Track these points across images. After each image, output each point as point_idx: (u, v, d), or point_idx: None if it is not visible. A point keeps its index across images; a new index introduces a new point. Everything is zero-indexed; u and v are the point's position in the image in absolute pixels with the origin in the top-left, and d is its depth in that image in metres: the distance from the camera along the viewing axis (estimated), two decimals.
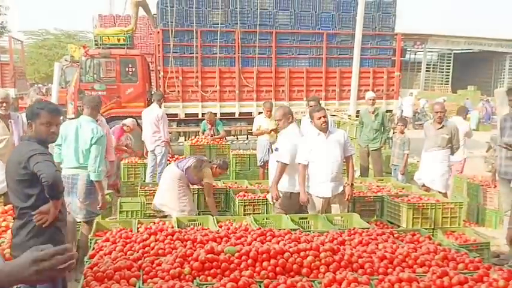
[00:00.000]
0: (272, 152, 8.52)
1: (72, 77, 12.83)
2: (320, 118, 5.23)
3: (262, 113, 9.03)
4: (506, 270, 3.31)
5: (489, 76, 32.31)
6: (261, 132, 8.51)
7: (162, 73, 11.82)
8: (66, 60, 12.33)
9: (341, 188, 5.34)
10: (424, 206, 5.65)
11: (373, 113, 8.43)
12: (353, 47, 12.22)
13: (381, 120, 8.34)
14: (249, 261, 3.41)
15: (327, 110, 10.53)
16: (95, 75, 11.79)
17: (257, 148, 8.79)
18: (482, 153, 11.92)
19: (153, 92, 10.72)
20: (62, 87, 13.04)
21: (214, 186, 6.24)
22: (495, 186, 6.83)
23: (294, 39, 12.57)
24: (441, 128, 6.71)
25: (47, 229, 3.51)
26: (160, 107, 8.42)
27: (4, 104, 5.46)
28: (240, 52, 12.17)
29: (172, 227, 4.48)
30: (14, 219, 3.52)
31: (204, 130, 9.62)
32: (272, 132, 8.56)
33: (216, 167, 6.08)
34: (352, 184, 5.43)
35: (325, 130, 5.26)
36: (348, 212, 5.43)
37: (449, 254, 3.75)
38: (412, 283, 3.10)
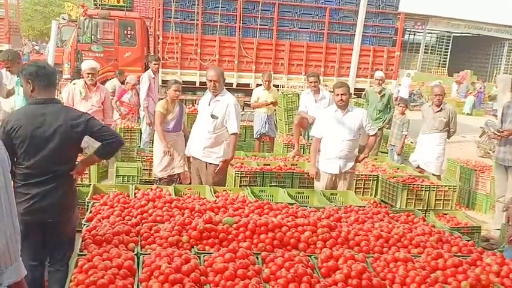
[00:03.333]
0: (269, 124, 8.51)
1: (69, 36, 12.59)
2: (338, 95, 5.15)
3: (261, 85, 8.92)
4: (499, 255, 3.38)
5: (486, 61, 32.27)
6: (259, 104, 8.44)
7: (161, 38, 11.63)
8: (63, 19, 12.08)
9: (350, 165, 5.29)
10: (418, 187, 5.71)
11: (379, 93, 8.38)
12: (355, 24, 12.04)
13: (386, 102, 8.31)
14: (247, 233, 3.44)
15: (325, 85, 10.52)
16: (93, 36, 11.58)
17: (254, 120, 8.72)
18: (475, 138, 12.01)
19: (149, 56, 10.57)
20: (58, 47, 12.79)
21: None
22: (485, 171, 6.94)
23: (296, 12, 12.38)
24: (439, 111, 6.71)
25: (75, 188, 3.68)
26: (155, 71, 8.19)
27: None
28: (241, 22, 11.98)
29: (170, 195, 4.49)
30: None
31: None
32: (271, 105, 8.52)
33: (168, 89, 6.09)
34: (362, 159, 5.49)
35: (342, 107, 5.21)
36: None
37: (443, 236, 3.81)
38: (408, 263, 3.16)
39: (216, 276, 2.85)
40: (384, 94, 8.38)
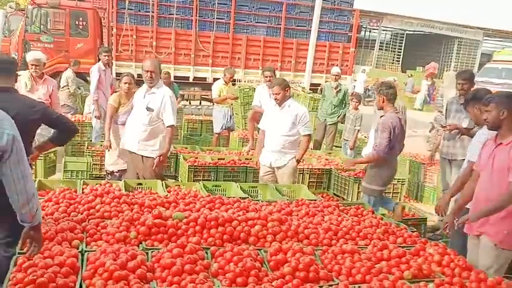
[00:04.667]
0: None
1: (17, 26, 12.06)
2: (274, 94, 5.27)
3: (219, 79, 8.85)
4: (441, 246, 3.51)
5: (437, 58, 33.38)
6: (223, 99, 8.39)
7: (115, 30, 11.33)
8: (10, 8, 11.56)
9: (284, 162, 5.29)
10: None
11: (335, 89, 8.49)
12: (311, 19, 12.19)
13: (342, 97, 8.42)
14: (197, 228, 3.41)
15: None
16: (42, 26, 11.13)
17: (215, 115, 8.59)
18: (426, 133, 12.41)
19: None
20: (5, 36, 12.22)
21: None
22: (432, 164, 7.18)
23: (253, 7, 12.36)
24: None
25: None
26: (105, 63, 7.92)
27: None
28: (198, 15, 11.85)
29: (120, 190, 4.39)
30: None
31: None
32: (234, 99, 8.55)
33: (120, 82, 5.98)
34: (298, 160, 5.38)
35: (279, 104, 5.26)
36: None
37: (389, 228, 3.92)
38: (354, 254, 3.23)
39: (163, 272, 2.81)
40: (340, 89, 8.51)
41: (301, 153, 5.37)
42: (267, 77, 7.34)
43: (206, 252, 3.15)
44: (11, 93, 3.30)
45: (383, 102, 5.01)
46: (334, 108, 8.47)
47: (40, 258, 2.73)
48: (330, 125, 8.52)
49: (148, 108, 4.99)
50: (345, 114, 8.42)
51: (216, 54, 12.28)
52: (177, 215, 3.53)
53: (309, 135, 5.36)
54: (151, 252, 3.07)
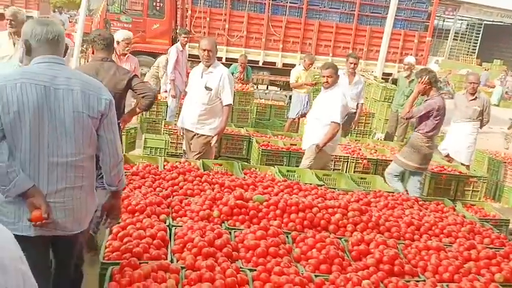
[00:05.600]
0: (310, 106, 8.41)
1: (97, 5, 12.56)
2: (325, 77, 5.12)
3: (299, 65, 8.80)
4: None
5: None
6: (300, 84, 8.36)
7: (190, 12, 11.52)
8: None
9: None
10: (447, 177, 5.62)
11: (407, 79, 8.21)
12: (387, 6, 11.76)
13: (414, 88, 8.12)
14: (277, 211, 3.43)
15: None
16: (122, 7, 11.54)
17: (293, 101, 8.59)
18: (503, 130, 11.74)
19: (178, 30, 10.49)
20: (87, 16, 12.79)
21: None
22: None
23: None
24: (473, 99, 6.56)
25: None
26: (183, 44, 8.10)
27: (13, 22, 5.24)
28: None
29: (198, 169, 4.50)
30: None
31: (234, 73, 9.43)
32: (313, 85, 8.49)
33: None
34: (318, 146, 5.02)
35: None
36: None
37: (475, 227, 3.75)
38: (440, 252, 3.12)
39: (247, 253, 2.86)
40: (413, 80, 8.19)
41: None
42: (351, 63, 7.18)
43: (287, 237, 3.17)
44: (109, 63, 4.00)
45: (426, 87, 5.13)
46: (406, 98, 8.17)
47: (134, 229, 2.86)
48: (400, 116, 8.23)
49: (207, 88, 4.96)
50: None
51: (287, 39, 12.17)
52: (258, 197, 3.56)
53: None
54: (234, 232, 3.13)
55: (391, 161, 6.17)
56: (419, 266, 2.97)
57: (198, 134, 5.09)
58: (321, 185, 4.40)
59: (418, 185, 5.35)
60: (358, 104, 7.29)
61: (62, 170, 2.27)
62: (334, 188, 4.42)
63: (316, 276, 2.70)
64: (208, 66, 5.00)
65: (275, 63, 12.20)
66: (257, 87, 12.65)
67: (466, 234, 3.55)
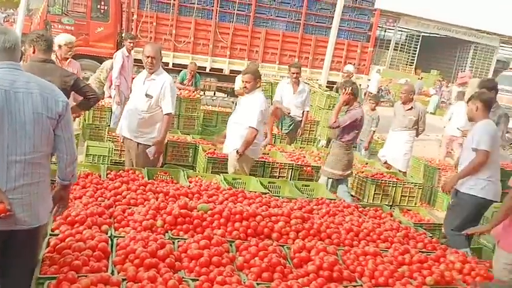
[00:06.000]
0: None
1: (37, 5, 12.08)
2: (244, 82, 5.18)
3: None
4: (461, 253, 3.54)
5: (452, 62, 33.17)
6: (243, 92, 8.38)
7: (135, 16, 11.36)
8: None
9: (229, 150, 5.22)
10: (386, 183, 5.87)
11: None
12: (331, 16, 12.15)
13: None
14: (222, 220, 3.46)
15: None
16: (64, 8, 11.18)
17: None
18: (438, 137, 12.38)
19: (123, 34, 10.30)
20: (26, 15, 12.27)
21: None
22: (448, 170, 7.20)
23: (274, 0, 12.34)
24: (410, 109, 6.90)
25: None
26: (129, 49, 7.97)
27: None
28: (218, 5, 11.85)
29: (143, 177, 4.45)
30: None
31: (183, 80, 9.36)
32: None
33: None
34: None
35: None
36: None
37: (409, 232, 3.95)
38: (377, 257, 3.27)
39: (190, 263, 2.87)
40: None
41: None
42: (294, 73, 7.33)
43: (230, 245, 3.20)
44: (51, 64, 4.12)
45: (350, 97, 5.57)
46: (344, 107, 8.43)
47: (73, 241, 2.79)
48: None
49: (147, 95, 4.85)
50: None
51: (234, 46, 12.28)
52: (203, 206, 3.58)
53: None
54: (178, 241, 3.12)
55: None
56: (357, 271, 3.09)
57: (136, 142, 4.97)
58: (266, 193, 4.47)
59: (346, 189, 5.72)
60: (303, 111, 7.46)
61: (20, 167, 2.39)
62: (279, 196, 4.51)
63: (258, 284, 2.76)
64: (152, 73, 4.90)
65: (222, 69, 12.27)
66: (204, 94, 12.64)
67: (401, 240, 3.73)
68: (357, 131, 5.69)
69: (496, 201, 4.48)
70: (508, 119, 5.51)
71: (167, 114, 4.91)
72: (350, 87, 5.56)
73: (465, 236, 4.22)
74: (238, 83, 8.49)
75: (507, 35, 32.01)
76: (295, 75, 7.24)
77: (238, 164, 5.13)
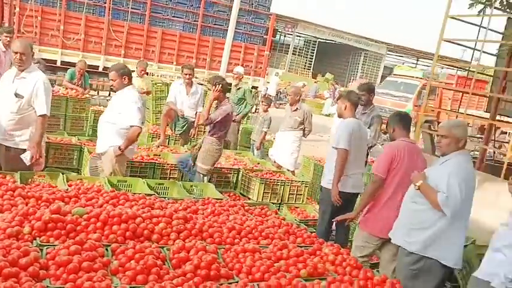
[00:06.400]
0: None
1: None
2: (110, 80, 5.09)
3: (133, 71, 8.55)
4: (336, 246, 3.75)
5: (345, 67, 35.37)
6: None
7: (17, 9, 10.52)
8: None
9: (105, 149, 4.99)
10: (274, 182, 6.04)
11: (236, 87, 8.68)
12: (228, 19, 12.27)
13: (241, 96, 8.57)
14: (98, 224, 3.31)
15: (196, 78, 10.53)
16: None
17: None
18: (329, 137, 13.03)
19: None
20: None
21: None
22: None
23: (171, 0, 12.18)
24: (295, 110, 7.19)
25: None
26: (6, 44, 7.32)
27: None
28: (111, 2, 11.41)
29: (14, 182, 4.12)
30: None
31: (72, 79, 8.81)
32: (145, 94, 8.29)
33: None
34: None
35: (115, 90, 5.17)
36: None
37: (291, 228, 4.09)
38: (255, 253, 3.34)
39: (58, 270, 2.70)
40: (240, 88, 8.71)
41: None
42: (186, 74, 7.29)
43: (106, 249, 3.07)
44: None
45: (220, 94, 5.66)
46: (234, 106, 8.58)
47: None
48: None
49: (17, 95, 4.48)
50: (246, 115, 8.61)
51: (129, 45, 11.91)
52: (77, 210, 3.39)
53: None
54: (46, 248, 2.93)
55: (227, 169, 6.45)
56: (235, 269, 3.13)
57: (4, 146, 4.56)
58: (151, 195, 4.37)
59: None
60: (196, 112, 7.44)
61: None
62: (165, 197, 4.43)
63: (131, 287, 2.67)
64: (22, 71, 4.50)
65: None
66: (98, 94, 12.10)
67: (281, 235, 3.85)
68: (227, 126, 5.85)
69: (357, 193, 4.88)
70: (381, 120, 5.96)
71: (41, 115, 4.52)
72: (220, 84, 5.63)
73: (336, 223, 4.74)
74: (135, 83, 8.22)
75: (393, 44, 34.84)
76: (188, 76, 7.21)
77: (116, 163, 4.92)
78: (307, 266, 3.23)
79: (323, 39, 33.50)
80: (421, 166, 3.98)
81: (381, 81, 27.66)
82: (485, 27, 7.55)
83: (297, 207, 6.05)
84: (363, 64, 34.70)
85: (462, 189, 3.41)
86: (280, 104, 20.71)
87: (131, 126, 4.82)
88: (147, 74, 9.25)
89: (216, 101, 5.75)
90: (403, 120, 4.28)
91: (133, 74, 8.29)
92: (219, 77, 6.19)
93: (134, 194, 4.27)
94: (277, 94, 22.11)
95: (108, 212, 3.42)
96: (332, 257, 3.49)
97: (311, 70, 33.38)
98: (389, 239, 3.92)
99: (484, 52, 7.74)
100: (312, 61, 34.06)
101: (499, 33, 8.16)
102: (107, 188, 4.48)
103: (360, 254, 4.19)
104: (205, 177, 5.81)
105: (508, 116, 9.95)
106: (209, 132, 5.78)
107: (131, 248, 3.07)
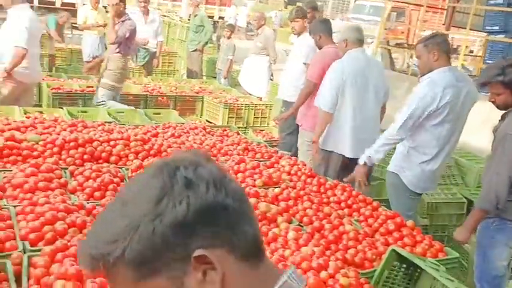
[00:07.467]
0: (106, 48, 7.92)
1: None
2: None
3: (86, 4, 8.22)
4: (294, 159, 3.88)
5: None
6: (87, 26, 7.78)
7: None
8: None
9: None
10: (238, 106, 6.09)
11: (193, 14, 8.52)
12: None
13: (198, 23, 8.36)
14: (55, 149, 3.33)
15: (159, 10, 10.25)
16: None
17: (83, 43, 8.00)
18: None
19: None
20: None
21: None
22: None
23: None
24: (257, 35, 7.12)
25: None
26: None
27: None
28: None
29: None
30: None
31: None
32: (101, 26, 8.00)
33: None
34: None
35: None
36: None
37: (250, 145, 4.19)
38: None
39: (15, 191, 2.76)
40: (196, 15, 8.54)
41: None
42: (141, 2, 7.05)
43: (64, 172, 3.13)
44: None
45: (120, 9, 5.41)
46: (194, 34, 8.42)
47: None
48: (191, 51, 8.47)
49: None
50: (207, 42, 8.51)
51: None
52: (33, 137, 3.41)
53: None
54: (3, 173, 2.97)
55: (191, 97, 6.45)
56: None
57: None
58: (111, 122, 4.38)
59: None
60: (157, 42, 7.29)
61: None
62: (124, 124, 4.45)
63: (88, 203, 2.76)
64: None
65: (74, 4, 11.35)
66: None
67: (240, 152, 3.95)
68: (133, 42, 5.75)
69: None
70: None
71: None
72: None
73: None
74: (82, 16, 7.89)
75: None
76: (143, 4, 6.97)
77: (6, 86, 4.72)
78: (262, 176, 3.35)
79: None
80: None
81: (354, 6, 27.20)
82: None
83: (262, 130, 6.15)
84: None
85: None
86: (252, 35, 20.31)
87: (15, 46, 4.59)
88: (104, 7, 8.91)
89: (116, 18, 5.45)
90: (328, 27, 4.41)
91: (86, 7, 8.02)
92: None
93: (93, 121, 4.27)
94: (247, 25, 21.68)
95: (64, 137, 3.44)
96: (288, 167, 3.62)
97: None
98: None
99: None
100: None
101: None
102: (67, 118, 4.46)
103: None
104: (118, 96, 5.65)
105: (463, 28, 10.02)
106: (115, 49, 5.52)
107: (89, 168, 3.12)
